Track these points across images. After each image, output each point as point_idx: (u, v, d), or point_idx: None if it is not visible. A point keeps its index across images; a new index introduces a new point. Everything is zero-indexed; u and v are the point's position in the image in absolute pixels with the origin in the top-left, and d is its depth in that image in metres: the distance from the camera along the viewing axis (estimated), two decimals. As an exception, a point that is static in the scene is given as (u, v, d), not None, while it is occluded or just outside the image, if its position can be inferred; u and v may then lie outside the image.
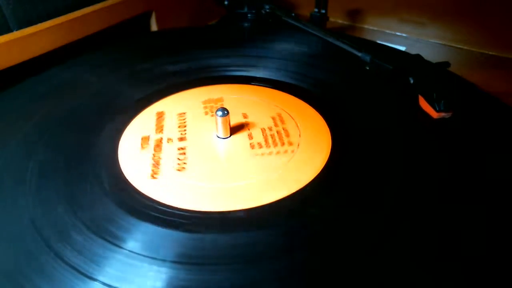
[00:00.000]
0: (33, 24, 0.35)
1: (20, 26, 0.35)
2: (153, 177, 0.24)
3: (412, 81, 0.31)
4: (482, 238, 0.20)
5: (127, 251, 0.19)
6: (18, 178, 0.24)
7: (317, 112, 0.30)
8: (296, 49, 0.40)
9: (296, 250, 0.19)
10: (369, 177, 0.24)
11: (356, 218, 0.21)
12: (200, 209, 0.22)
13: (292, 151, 0.26)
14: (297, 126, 0.28)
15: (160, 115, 0.30)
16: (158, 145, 0.27)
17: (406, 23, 0.50)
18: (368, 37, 0.50)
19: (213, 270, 0.18)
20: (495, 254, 0.19)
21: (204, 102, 0.32)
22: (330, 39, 0.38)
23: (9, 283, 0.18)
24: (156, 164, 0.25)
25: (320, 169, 0.24)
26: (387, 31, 0.51)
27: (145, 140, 0.27)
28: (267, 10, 0.45)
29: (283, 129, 0.28)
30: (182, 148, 0.27)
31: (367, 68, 0.34)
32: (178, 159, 0.26)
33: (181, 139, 0.28)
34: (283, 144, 0.27)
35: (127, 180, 0.24)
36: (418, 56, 0.33)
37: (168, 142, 0.27)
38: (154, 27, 0.48)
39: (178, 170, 0.25)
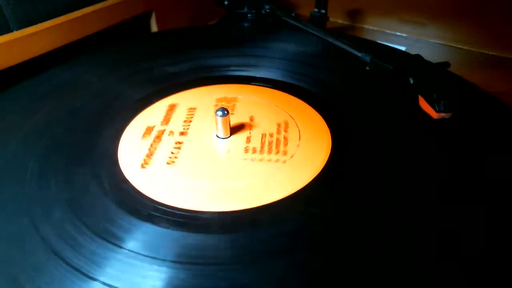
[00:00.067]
0: (33, 24, 0.35)
1: (20, 26, 0.35)
2: (143, 166, 0.25)
3: (412, 81, 0.31)
4: (482, 238, 0.20)
5: (127, 251, 0.19)
6: (18, 178, 0.24)
7: (317, 112, 0.30)
8: (296, 49, 0.40)
9: (296, 250, 0.19)
10: (369, 177, 0.24)
11: (356, 218, 0.21)
12: (177, 206, 0.22)
13: (284, 162, 0.25)
14: (299, 134, 0.28)
15: (171, 108, 0.30)
16: (159, 137, 0.27)
17: (406, 23, 0.50)
18: (368, 37, 0.50)
19: (213, 270, 0.18)
20: (495, 254, 0.19)
21: (218, 100, 0.32)
22: (330, 39, 0.38)
23: (9, 283, 0.18)
24: (150, 154, 0.26)
25: (320, 169, 0.24)
26: (387, 31, 0.51)
27: (148, 130, 0.28)
28: (267, 10, 0.45)
29: (284, 137, 0.27)
30: (179, 143, 0.27)
31: (367, 68, 0.34)
32: (172, 152, 0.26)
33: (182, 133, 0.28)
34: (277, 152, 0.26)
35: (125, 178, 0.24)
36: (418, 56, 0.33)
37: (169, 135, 0.27)
38: (154, 27, 0.48)
39: (168, 163, 0.25)
